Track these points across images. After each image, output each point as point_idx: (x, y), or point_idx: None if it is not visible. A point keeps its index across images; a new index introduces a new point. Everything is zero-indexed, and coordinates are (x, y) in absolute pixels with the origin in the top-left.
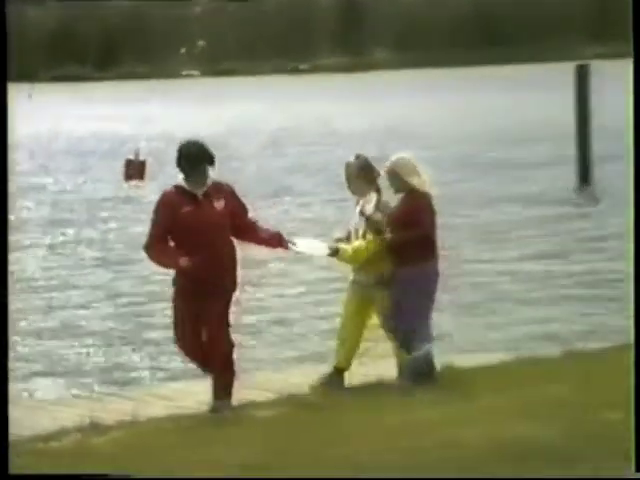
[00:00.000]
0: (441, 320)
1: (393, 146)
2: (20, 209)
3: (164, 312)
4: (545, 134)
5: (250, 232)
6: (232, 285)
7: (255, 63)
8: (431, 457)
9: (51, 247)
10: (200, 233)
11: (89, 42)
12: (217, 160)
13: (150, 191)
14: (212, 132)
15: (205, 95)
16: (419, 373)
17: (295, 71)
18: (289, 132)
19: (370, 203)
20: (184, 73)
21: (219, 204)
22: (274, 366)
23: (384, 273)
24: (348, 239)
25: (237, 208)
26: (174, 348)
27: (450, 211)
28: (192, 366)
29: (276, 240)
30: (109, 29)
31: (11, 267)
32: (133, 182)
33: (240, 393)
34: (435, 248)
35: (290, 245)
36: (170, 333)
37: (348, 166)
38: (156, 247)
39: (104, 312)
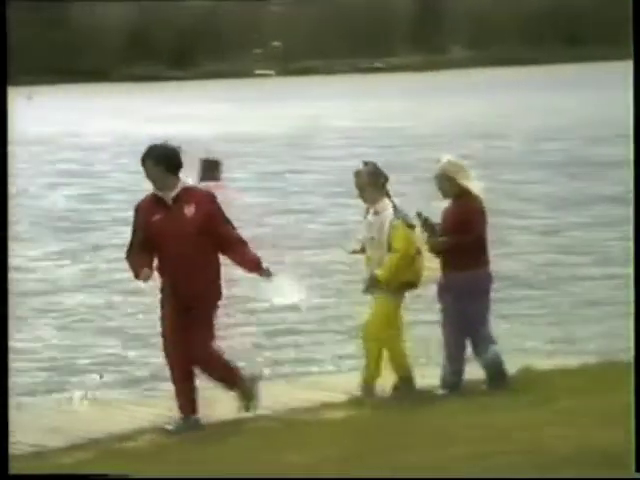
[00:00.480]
0: (516, 324)
1: (468, 144)
2: (103, 210)
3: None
4: (622, 133)
5: (226, 247)
6: (214, 294)
7: (331, 62)
8: (510, 461)
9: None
10: (172, 241)
11: (164, 42)
12: (292, 159)
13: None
14: (287, 131)
15: (280, 95)
16: (490, 375)
17: (371, 70)
18: (364, 132)
19: (387, 209)
20: (258, 72)
21: (189, 210)
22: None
23: (409, 280)
24: (363, 251)
25: (213, 215)
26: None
27: (518, 212)
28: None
29: (252, 266)
30: (184, 29)
31: (94, 266)
32: (208, 183)
33: (312, 395)
34: (487, 252)
35: (263, 283)
36: None
37: (358, 174)
38: (130, 255)
39: None
